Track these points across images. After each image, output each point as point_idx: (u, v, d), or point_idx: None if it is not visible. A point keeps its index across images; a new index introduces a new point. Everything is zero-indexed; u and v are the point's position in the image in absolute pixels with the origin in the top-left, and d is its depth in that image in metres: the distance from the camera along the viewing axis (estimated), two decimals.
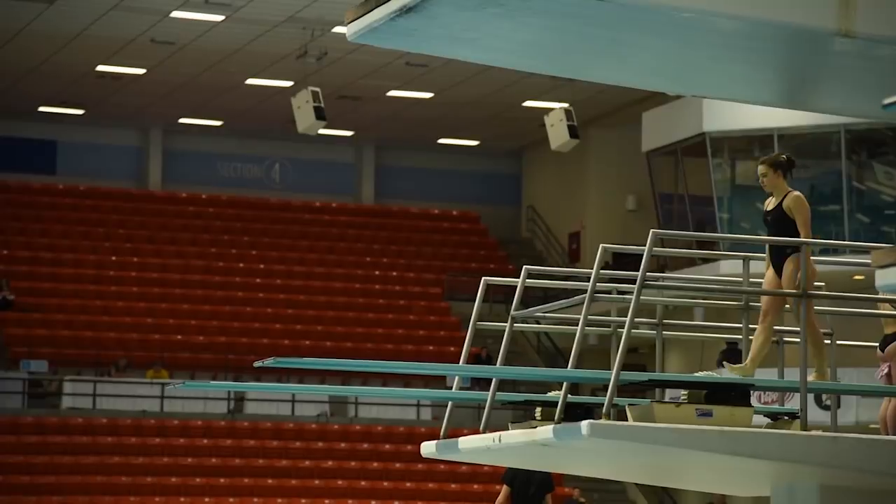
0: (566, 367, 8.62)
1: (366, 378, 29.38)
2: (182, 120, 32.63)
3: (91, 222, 31.65)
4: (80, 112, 31.78)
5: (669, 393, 8.91)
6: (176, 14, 25.45)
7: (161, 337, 29.09)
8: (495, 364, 9.16)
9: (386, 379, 29.58)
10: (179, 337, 29.30)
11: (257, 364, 7.34)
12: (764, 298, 8.54)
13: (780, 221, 8.53)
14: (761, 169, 8.63)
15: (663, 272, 25.18)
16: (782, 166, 8.65)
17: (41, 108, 31.50)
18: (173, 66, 28.51)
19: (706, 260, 26.07)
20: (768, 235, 8.62)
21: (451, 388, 9.81)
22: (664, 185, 29.23)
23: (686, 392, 8.07)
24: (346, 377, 29.13)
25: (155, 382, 27.51)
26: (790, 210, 8.49)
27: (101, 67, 28.61)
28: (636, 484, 27.67)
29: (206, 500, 25.74)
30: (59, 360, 27.97)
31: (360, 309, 31.34)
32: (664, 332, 9.08)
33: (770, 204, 8.66)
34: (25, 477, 25.17)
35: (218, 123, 32.79)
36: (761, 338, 8.52)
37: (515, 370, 9.35)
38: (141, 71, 28.83)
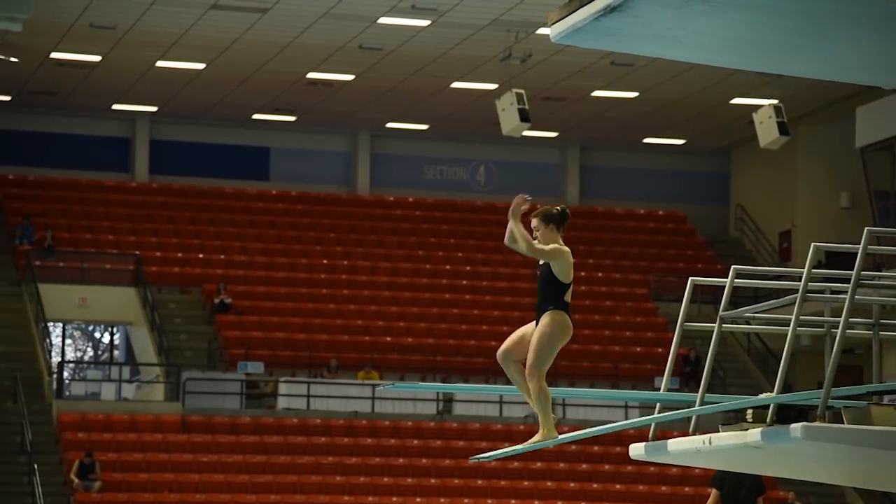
0: (777, 367, 8.46)
1: (573, 379, 29.33)
2: (389, 124, 33.14)
3: (303, 227, 32.39)
4: (292, 119, 32.57)
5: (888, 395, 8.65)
6: (383, 20, 25.86)
7: (371, 338, 29.57)
8: (703, 364, 9.04)
9: (593, 380, 29.48)
10: (388, 338, 29.74)
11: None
12: (530, 355, 8.10)
13: (547, 278, 8.11)
14: (533, 223, 8.22)
15: (879, 271, 24.46)
16: (554, 219, 8.22)
17: (255, 116, 32.39)
18: (381, 72, 28.98)
19: None
20: (539, 293, 8.20)
21: (659, 389, 9.72)
22: (880, 181, 28.39)
23: None
24: (553, 378, 29.11)
25: (366, 384, 27.98)
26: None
27: (311, 74, 29.26)
28: (854, 487, 26.93)
29: (418, 500, 26.06)
30: (274, 362, 28.69)
31: None
32: (881, 333, 8.82)
33: (541, 259, 8.21)
34: (245, 476, 25.90)
35: (424, 127, 33.19)
36: (540, 395, 8.08)
37: (715, 406, 8.85)
38: (350, 77, 29.38)
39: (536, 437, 8.30)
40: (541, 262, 8.32)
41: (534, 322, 8.34)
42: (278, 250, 31.60)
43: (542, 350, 8.21)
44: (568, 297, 8.22)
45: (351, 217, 32.80)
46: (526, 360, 8.25)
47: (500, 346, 8.57)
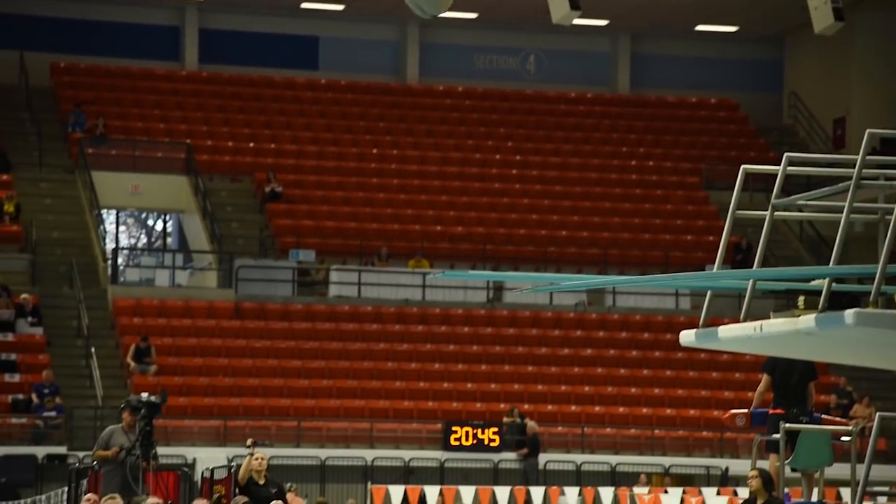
0: (830, 255, 8.47)
1: (623, 267, 29.36)
2: None
3: (352, 116, 32.38)
4: (341, 7, 32.38)
5: None
6: None
7: (421, 227, 29.69)
8: (755, 253, 9.05)
9: (644, 268, 29.49)
10: (439, 228, 29.85)
11: None
12: None
13: None
14: None
15: None
16: None
17: (303, 5, 32.23)
18: None
19: None
20: None
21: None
22: None
23: None
24: (604, 267, 29.16)
25: (416, 272, 28.15)
26: None
27: None
28: None
29: (469, 385, 26.36)
30: (325, 250, 28.91)
31: (617, 199, 31.25)
32: None
33: None
34: (297, 361, 26.25)
35: (473, 16, 32.91)
36: None
37: (775, 271, 9.04)
38: None
39: None
40: None
41: None
42: (328, 139, 31.64)
43: None
44: None
45: (400, 106, 32.73)
46: None
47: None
